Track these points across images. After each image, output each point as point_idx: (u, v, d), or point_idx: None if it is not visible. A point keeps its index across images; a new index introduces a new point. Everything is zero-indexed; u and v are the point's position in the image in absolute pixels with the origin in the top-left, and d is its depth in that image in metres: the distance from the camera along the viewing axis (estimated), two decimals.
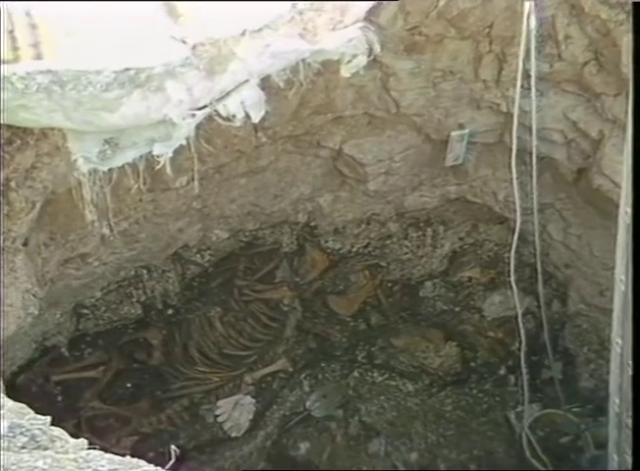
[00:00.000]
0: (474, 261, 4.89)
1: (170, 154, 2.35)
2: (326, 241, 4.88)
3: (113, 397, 4.43)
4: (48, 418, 1.66)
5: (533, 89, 3.00)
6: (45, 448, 1.58)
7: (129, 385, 4.50)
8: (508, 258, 3.85)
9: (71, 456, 1.55)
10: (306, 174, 4.31)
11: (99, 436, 4.04)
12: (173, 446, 1.67)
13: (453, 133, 3.83)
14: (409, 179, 4.35)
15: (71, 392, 4.38)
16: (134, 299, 4.49)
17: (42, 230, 3.34)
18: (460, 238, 4.88)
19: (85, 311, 4.39)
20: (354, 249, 4.93)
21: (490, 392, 4.62)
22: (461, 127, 3.80)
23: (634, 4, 2.52)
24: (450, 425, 4.50)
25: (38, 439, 1.60)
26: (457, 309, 4.93)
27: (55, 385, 4.33)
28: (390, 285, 5.00)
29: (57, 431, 1.64)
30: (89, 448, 1.60)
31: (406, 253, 4.90)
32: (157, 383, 4.52)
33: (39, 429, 1.63)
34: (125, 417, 4.34)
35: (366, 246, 4.92)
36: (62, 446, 1.61)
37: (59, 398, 4.33)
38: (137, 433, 4.31)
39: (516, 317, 4.11)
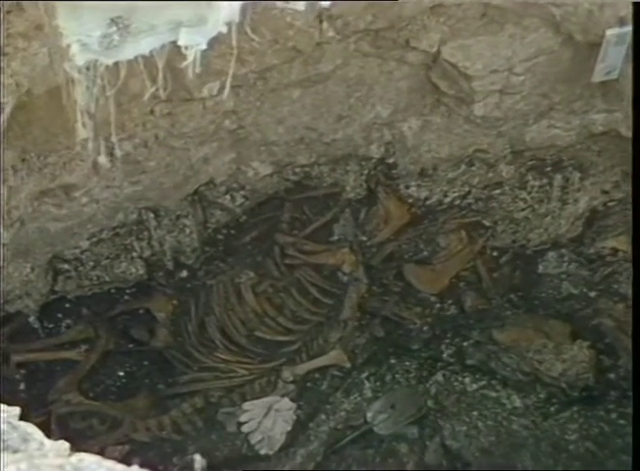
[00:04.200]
0: (622, 226, 4.79)
1: (203, 46, 2.33)
2: (407, 187, 4.84)
3: (98, 389, 4.53)
4: (16, 409, 1.68)
5: None
6: (15, 451, 1.60)
7: (121, 373, 4.59)
8: None
9: (54, 462, 1.56)
10: (386, 87, 4.25)
11: (76, 441, 4.10)
12: (197, 457, 1.67)
13: (610, 32, 3.69)
14: (536, 100, 4.25)
15: (39, 378, 4.48)
16: (135, 254, 4.53)
17: (11, 146, 3.36)
18: (605, 192, 4.79)
19: (66, 266, 4.45)
20: (447, 200, 4.89)
21: None
22: (622, 22, 3.65)
23: (634, 4, 3.13)
24: (573, 461, 4.48)
25: (5, 437, 1.62)
26: (593, 294, 4.88)
27: (17, 367, 4.44)
28: (496, 253, 4.96)
29: (30, 427, 1.66)
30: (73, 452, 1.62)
31: (523, 209, 4.84)
32: (161, 372, 4.60)
33: (8, 423, 1.65)
34: (113, 418, 4.43)
35: (465, 197, 4.87)
36: (38, 449, 1.63)
37: (21, 387, 4.45)
38: (129, 440, 4.40)
39: None
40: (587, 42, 3.85)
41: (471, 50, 3.92)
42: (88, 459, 1.57)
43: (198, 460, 1.74)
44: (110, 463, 1.55)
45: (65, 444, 1.66)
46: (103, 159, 3.03)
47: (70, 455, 1.62)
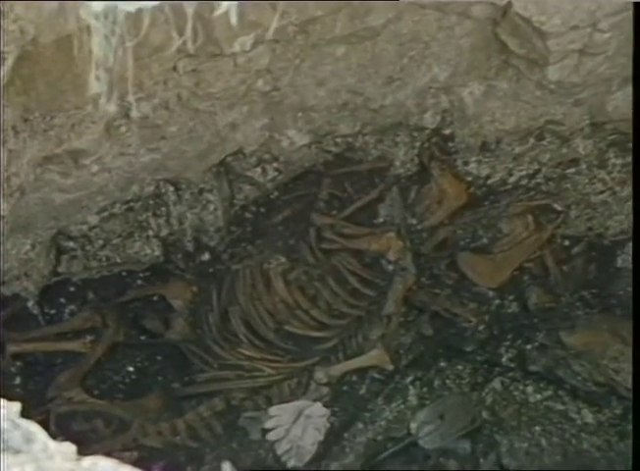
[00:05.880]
0: None
1: None
2: (466, 163, 4.84)
3: (104, 386, 4.57)
4: (17, 405, 1.69)
5: None
6: (18, 451, 1.61)
7: (130, 368, 4.63)
8: None
9: (64, 466, 1.58)
10: (445, 45, 4.23)
11: (77, 445, 4.13)
12: (226, 466, 1.68)
13: None
14: (622, 62, 4.19)
15: (37, 372, 4.54)
16: (151, 233, 4.58)
17: (12, 103, 3.35)
18: None
19: (71, 245, 4.50)
20: (512, 179, 4.88)
21: None
22: None
23: (635, 4, 3.49)
24: None
25: (6, 436, 1.63)
26: None
27: (12, 359, 4.49)
28: (567, 243, 4.95)
29: (33, 426, 1.67)
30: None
31: (601, 192, 4.83)
32: (176, 369, 4.64)
33: (10, 421, 1.66)
34: (120, 419, 4.47)
35: (533, 176, 4.86)
36: (43, 451, 1.64)
37: (17, 381, 4.49)
38: (138, 446, 4.44)
39: None
40: None
41: (548, 2, 3.84)
42: (102, 464, 1.58)
43: (226, 467, 1.74)
44: (127, 469, 1.55)
45: (71, 447, 1.67)
46: (112, 107, 3.00)
47: (78, 459, 1.62)
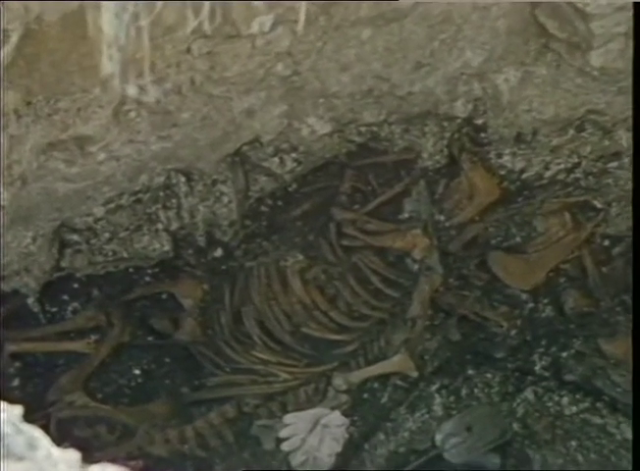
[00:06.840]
0: None
1: None
2: (499, 155, 4.83)
3: (108, 390, 4.59)
4: (19, 408, 1.69)
5: None
6: (20, 458, 1.61)
7: (137, 371, 4.64)
8: None
9: None
10: (479, 28, 4.21)
11: (79, 452, 4.14)
12: None
13: None
14: None
15: (37, 373, 4.56)
16: (160, 226, 4.57)
17: (14, 85, 3.36)
18: None
19: (75, 238, 4.49)
20: (549, 173, 4.87)
21: None
22: None
23: (635, 4, 3.64)
24: None
25: (8, 441, 1.63)
26: None
27: (11, 359, 4.50)
28: (607, 242, 4.95)
29: (36, 431, 1.67)
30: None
31: None
32: (185, 372, 4.65)
33: (12, 425, 1.66)
34: (125, 426, 4.48)
35: (572, 170, 4.85)
36: (47, 457, 1.65)
37: (15, 383, 4.51)
38: (144, 454, 4.44)
39: None
40: None
41: None
42: None
43: None
44: None
45: (75, 455, 1.67)
46: (132, 90, 3.01)
47: (84, 467, 1.63)
